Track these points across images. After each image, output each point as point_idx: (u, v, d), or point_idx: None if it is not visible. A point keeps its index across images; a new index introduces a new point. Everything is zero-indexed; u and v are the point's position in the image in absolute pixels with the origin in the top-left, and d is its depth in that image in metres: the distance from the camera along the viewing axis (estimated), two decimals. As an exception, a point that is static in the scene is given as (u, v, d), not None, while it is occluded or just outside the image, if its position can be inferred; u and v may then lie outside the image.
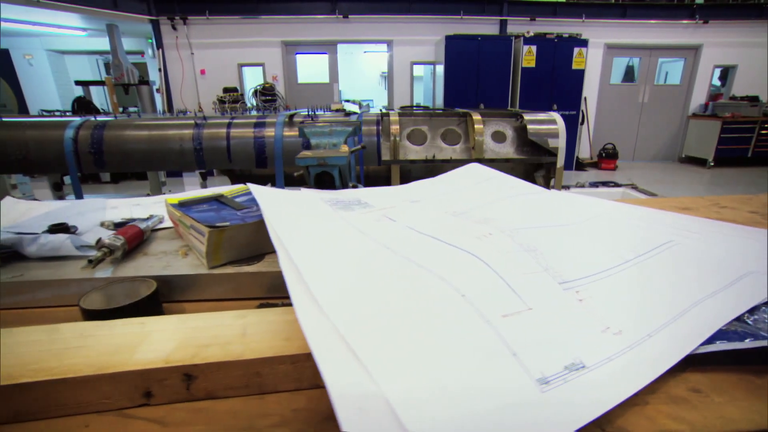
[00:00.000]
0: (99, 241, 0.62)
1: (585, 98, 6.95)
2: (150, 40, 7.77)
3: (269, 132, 2.31)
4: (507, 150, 2.62)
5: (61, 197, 2.63)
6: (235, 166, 2.32)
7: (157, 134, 2.33)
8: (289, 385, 0.40)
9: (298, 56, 6.87)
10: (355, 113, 2.49)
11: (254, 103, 6.18)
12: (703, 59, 7.22)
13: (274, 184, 0.91)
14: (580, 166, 7.15)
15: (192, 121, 2.34)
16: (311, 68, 7.31)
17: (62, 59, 7.99)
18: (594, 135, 7.48)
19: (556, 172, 2.58)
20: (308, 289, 0.40)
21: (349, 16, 6.37)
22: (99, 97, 8.06)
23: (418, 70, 7.50)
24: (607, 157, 7.15)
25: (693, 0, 6.90)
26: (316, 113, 2.46)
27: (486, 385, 0.32)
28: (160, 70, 6.54)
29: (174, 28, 6.34)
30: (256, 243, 0.62)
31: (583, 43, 6.33)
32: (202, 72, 6.64)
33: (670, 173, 6.89)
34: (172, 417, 0.37)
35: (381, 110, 2.77)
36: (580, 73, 6.46)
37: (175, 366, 0.37)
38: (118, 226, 0.78)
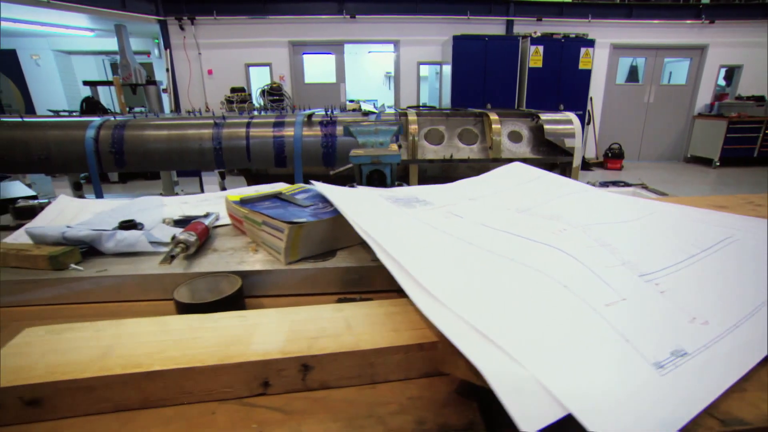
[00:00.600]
0: (174, 237, 0.63)
1: (591, 98, 6.96)
2: (156, 41, 7.78)
3: (288, 131, 2.32)
4: (524, 150, 2.63)
5: (80, 197, 2.64)
6: (254, 165, 2.34)
7: (177, 134, 2.34)
8: (399, 375, 0.41)
9: (305, 56, 6.88)
10: (372, 113, 2.51)
11: (261, 103, 6.20)
12: (709, 59, 7.23)
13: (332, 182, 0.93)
14: (586, 166, 7.16)
15: (211, 121, 2.35)
16: (317, 68, 7.32)
17: (69, 59, 8.01)
18: (599, 135, 7.48)
19: (572, 172, 2.59)
20: (418, 283, 0.41)
21: (357, 17, 6.38)
22: (105, 97, 8.06)
23: (423, 70, 7.51)
24: (613, 156, 7.15)
25: (699, 0, 6.91)
26: (334, 113, 2.47)
27: (608, 367, 0.33)
28: (167, 70, 6.55)
29: (182, 28, 6.36)
30: (329, 239, 0.63)
31: (590, 43, 6.34)
32: (210, 72, 6.65)
33: (676, 173, 6.90)
34: (292, 406, 0.38)
35: (398, 110, 2.78)
36: (587, 73, 6.48)
37: (293, 357, 0.39)
38: (177, 223, 0.79)
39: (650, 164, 7.68)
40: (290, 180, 2.57)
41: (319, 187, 0.69)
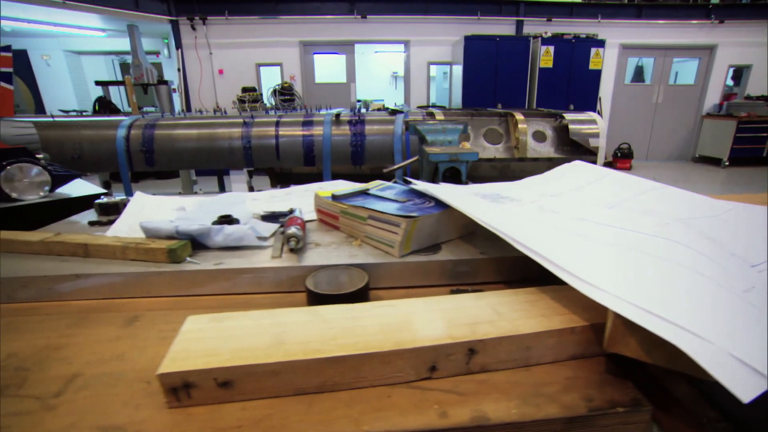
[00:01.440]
0: (282, 232, 0.65)
1: (600, 98, 6.97)
2: (166, 40, 7.81)
3: (317, 130, 2.34)
4: (548, 149, 2.64)
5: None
6: (283, 164, 2.35)
7: (207, 133, 2.36)
8: (551, 358, 0.43)
9: (315, 56, 6.90)
10: (400, 112, 2.53)
11: (273, 103, 6.21)
12: (718, 59, 7.24)
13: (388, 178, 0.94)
14: (595, 165, 7.16)
15: (241, 120, 2.37)
16: (327, 68, 7.33)
17: (78, 59, 8.03)
18: (608, 135, 7.49)
19: (596, 171, 2.60)
20: (569, 272, 0.43)
21: (368, 17, 6.40)
22: (115, 96, 8.09)
23: (431, 71, 7.52)
24: (622, 156, 7.17)
25: (708, 0, 6.92)
26: (360, 112, 2.49)
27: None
28: (179, 70, 6.58)
29: (193, 28, 6.38)
30: (434, 233, 0.65)
31: (601, 43, 6.35)
32: (220, 72, 6.67)
33: (685, 173, 6.91)
34: (462, 388, 0.40)
35: (425, 110, 2.80)
36: (597, 74, 6.49)
37: (461, 342, 0.41)
38: (265, 218, 0.81)
39: (659, 164, 7.69)
40: (316, 178, 2.57)
41: (423, 185, 0.71)
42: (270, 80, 6.81)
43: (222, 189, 3.73)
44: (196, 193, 3.43)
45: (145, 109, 6.34)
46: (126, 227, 0.78)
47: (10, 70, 0.93)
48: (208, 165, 2.44)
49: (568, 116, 2.65)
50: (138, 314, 0.55)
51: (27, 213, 0.87)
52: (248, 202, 0.95)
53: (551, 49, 6.26)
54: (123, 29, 6.79)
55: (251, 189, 2.57)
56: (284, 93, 6.19)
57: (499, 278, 0.62)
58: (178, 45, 6.49)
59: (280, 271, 0.60)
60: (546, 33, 6.35)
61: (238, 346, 0.40)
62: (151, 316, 0.54)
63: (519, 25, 6.75)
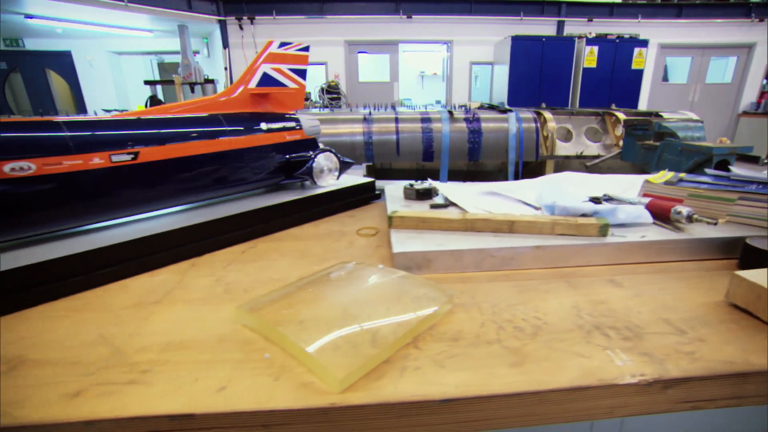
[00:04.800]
0: (679, 212, 0.73)
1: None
2: (206, 40, 7.92)
3: (436, 126, 2.42)
4: (648, 145, 2.72)
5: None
6: (402, 159, 2.44)
7: (330, 129, 2.44)
8: None
9: (359, 55, 6.98)
10: (509, 111, 2.61)
11: (319, 101, 6.31)
12: (756, 57, 7.30)
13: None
14: (634, 164, 7.23)
15: (361, 116, 2.46)
16: (368, 67, 7.42)
17: (119, 60, 8.14)
18: (645, 133, 7.55)
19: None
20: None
21: (413, 17, 6.48)
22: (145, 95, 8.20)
23: (466, 70, 7.58)
24: (660, 155, 7.23)
25: (748, -1, 6.98)
26: (475, 109, 2.57)
27: None
28: (225, 68, 6.68)
29: (241, 27, 6.48)
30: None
31: (644, 43, 6.42)
32: (266, 71, 6.76)
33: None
34: None
35: (535, 109, 2.88)
36: (639, 73, 6.56)
37: None
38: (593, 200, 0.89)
39: (694, 163, 7.75)
40: (412, 174, 2.62)
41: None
42: (314, 79, 6.90)
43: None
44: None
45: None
46: (471, 207, 0.85)
47: (305, 67, 1.01)
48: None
49: (667, 116, 2.72)
50: (574, 280, 0.63)
51: (323, 200, 0.95)
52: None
53: (595, 49, 6.33)
54: (168, 29, 6.90)
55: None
56: (331, 91, 6.29)
57: None
58: (225, 44, 6.59)
59: (696, 242, 0.69)
60: (590, 33, 6.42)
61: None
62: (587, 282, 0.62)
63: (560, 25, 6.82)
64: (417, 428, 0.39)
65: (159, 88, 8.21)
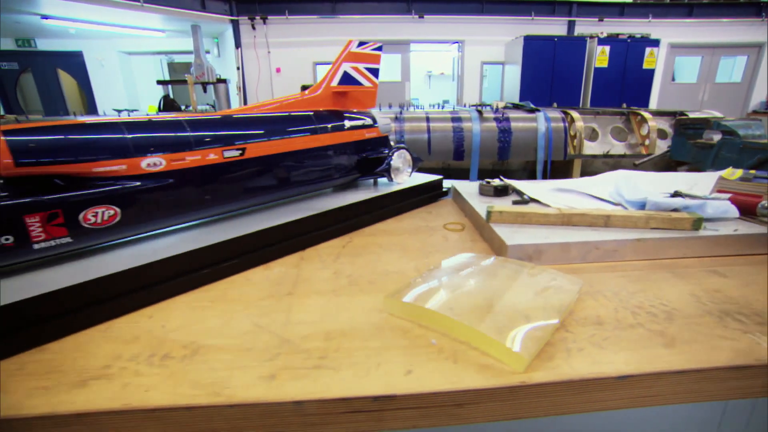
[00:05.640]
0: (766, 207, 0.75)
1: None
2: (216, 40, 7.95)
3: (466, 125, 2.45)
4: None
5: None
6: (434, 158, 2.47)
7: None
8: None
9: (370, 55, 7.00)
10: (537, 110, 2.63)
11: (332, 102, 6.33)
12: (766, 56, 7.31)
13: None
14: (644, 163, 7.25)
15: (392, 114, 2.48)
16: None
17: (129, 60, 8.18)
18: (655, 133, 7.57)
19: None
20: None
21: (425, 16, 6.51)
22: (158, 95, 8.24)
23: (475, 68, 7.60)
24: (670, 154, 7.25)
25: (758, -2, 7.00)
26: (503, 109, 2.60)
27: None
28: (238, 68, 6.70)
29: (253, 27, 6.50)
30: None
31: (655, 43, 6.44)
32: (278, 70, 6.80)
33: (734, 170, 6.98)
34: None
35: (563, 109, 2.91)
36: (650, 73, 6.58)
37: None
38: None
39: (704, 162, 7.77)
40: (438, 171, 2.66)
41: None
42: (325, 79, 6.93)
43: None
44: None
45: (200, 107, 6.48)
46: (552, 202, 0.88)
47: (378, 66, 1.04)
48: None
49: (691, 115, 2.74)
50: (677, 270, 0.65)
51: (400, 197, 0.97)
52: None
53: (607, 49, 6.35)
54: (181, 29, 6.93)
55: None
56: (343, 92, 6.30)
57: None
58: (238, 44, 6.62)
59: (790, 237, 0.71)
60: (602, 33, 6.44)
61: None
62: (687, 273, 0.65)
63: (571, 25, 6.84)
64: (594, 404, 0.41)
65: (170, 87, 8.25)
